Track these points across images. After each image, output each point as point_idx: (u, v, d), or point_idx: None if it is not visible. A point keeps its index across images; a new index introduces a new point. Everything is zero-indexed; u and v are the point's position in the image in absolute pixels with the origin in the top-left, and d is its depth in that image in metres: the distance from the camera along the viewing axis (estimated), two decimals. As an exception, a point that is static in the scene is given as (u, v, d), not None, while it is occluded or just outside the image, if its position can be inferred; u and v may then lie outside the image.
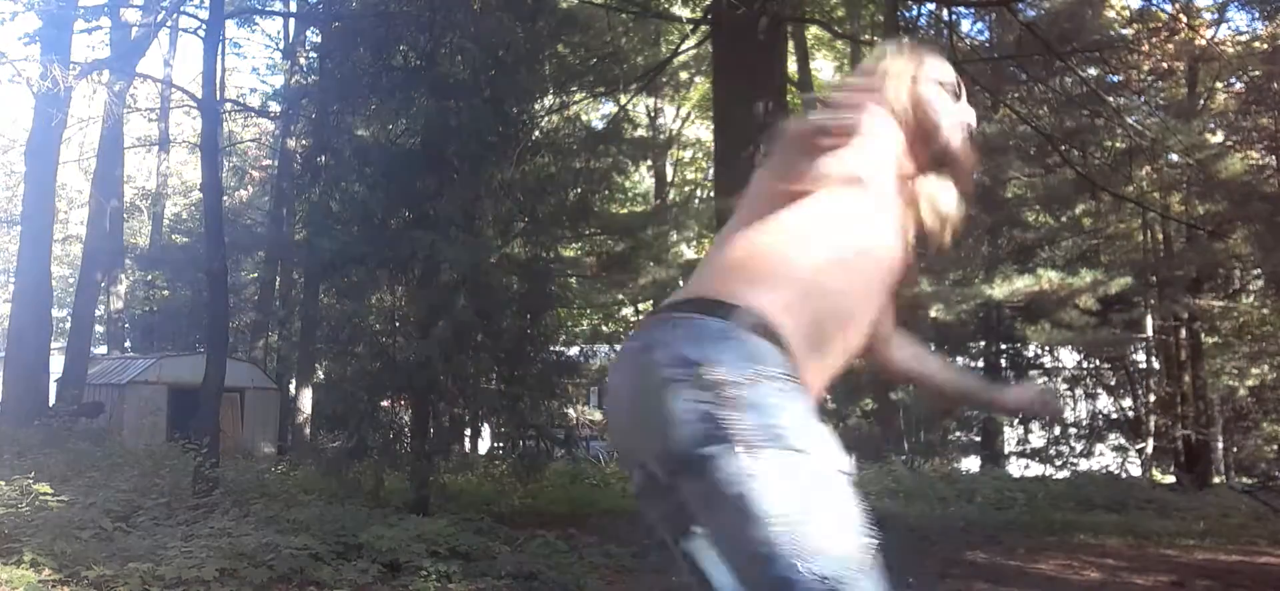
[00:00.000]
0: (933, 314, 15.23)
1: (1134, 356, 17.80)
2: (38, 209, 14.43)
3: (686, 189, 23.27)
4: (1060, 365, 17.86)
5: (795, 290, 1.51)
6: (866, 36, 15.66)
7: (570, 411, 10.90)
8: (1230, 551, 7.44)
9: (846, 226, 1.56)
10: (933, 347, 16.82)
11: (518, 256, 8.79)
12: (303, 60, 16.68)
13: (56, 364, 15.32)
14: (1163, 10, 12.48)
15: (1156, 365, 18.14)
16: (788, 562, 1.34)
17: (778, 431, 1.39)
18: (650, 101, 19.88)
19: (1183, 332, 17.31)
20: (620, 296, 18.84)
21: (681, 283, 21.78)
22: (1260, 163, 15.35)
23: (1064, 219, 17.04)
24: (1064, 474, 15.37)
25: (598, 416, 20.02)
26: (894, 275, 1.68)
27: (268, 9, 17.18)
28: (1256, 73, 14.07)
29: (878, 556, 1.43)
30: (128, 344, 24.74)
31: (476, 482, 10.09)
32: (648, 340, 1.50)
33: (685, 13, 11.89)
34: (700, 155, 22.55)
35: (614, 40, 12.18)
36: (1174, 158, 12.98)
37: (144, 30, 14.77)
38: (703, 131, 21.09)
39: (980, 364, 17.35)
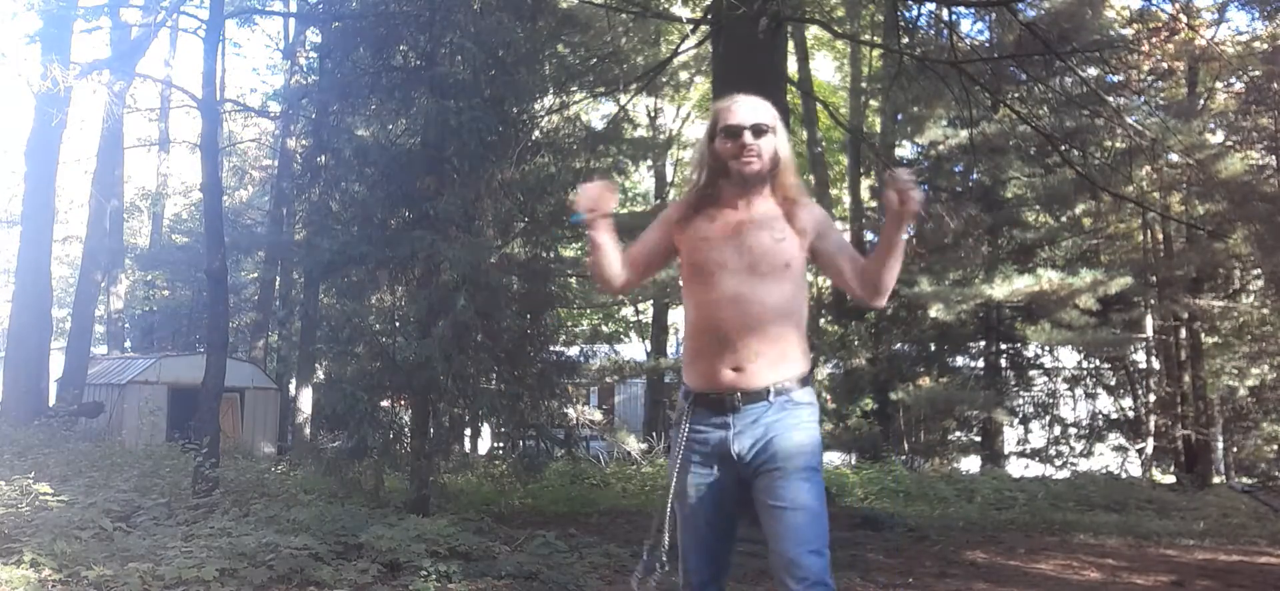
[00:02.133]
0: (933, 314, 15.24)
1: (1134, 356, 17.81)
2: (38, 209, 14.44)
3: (686, 189, 23.23)
4: (1060, 365, 17.86)
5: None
6: (866, 36, 15.67)
7: (570, 411, 10.90)
8: (1230, 551, 7.44)
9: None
10: (933, 347, 16.62)
11: (518, 256, 8.79)
12: (303, 60, 16.69)
13: (56, 364, 15.33)
14: (1163, 10, 12.49)
15: (1156, 365, 18.15)
16: None
17: None
18: (650, 101, 19.89)
19: (1183, 332, 17.32)
20: (620, 296, 18.83)
21: (681, 285, 22.06)
22: (1260, 163, 15.36)
23: (1064, 219, 17.04)
24: (1064, 474, 15.38)
25: (597, 416, 20.04)
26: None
27: (268, 9, 17.17)
28: (1256, 73, 14.08)
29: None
30: (128, 344, 24.75)
31: (476, 482, 10.10)
32: None
33: (685, 13, 11.88)
34: (700, 155, 22.51)
35: (614, 40, 12.18)
36: (1174, 158, 12.98)
37: (144, 30, 14.78)
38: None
39: (980, 364, 17.37)
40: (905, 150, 18.32)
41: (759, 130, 2.39)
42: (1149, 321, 16.94)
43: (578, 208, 2.29)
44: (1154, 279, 16.90)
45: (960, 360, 17.42)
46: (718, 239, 2.35)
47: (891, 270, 2.31)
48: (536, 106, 9.15)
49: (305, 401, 15.46)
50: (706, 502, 2.34)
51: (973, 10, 11.20)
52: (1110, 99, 10.57)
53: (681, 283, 2.43)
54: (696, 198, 2.44)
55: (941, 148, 15.90)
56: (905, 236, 2.32)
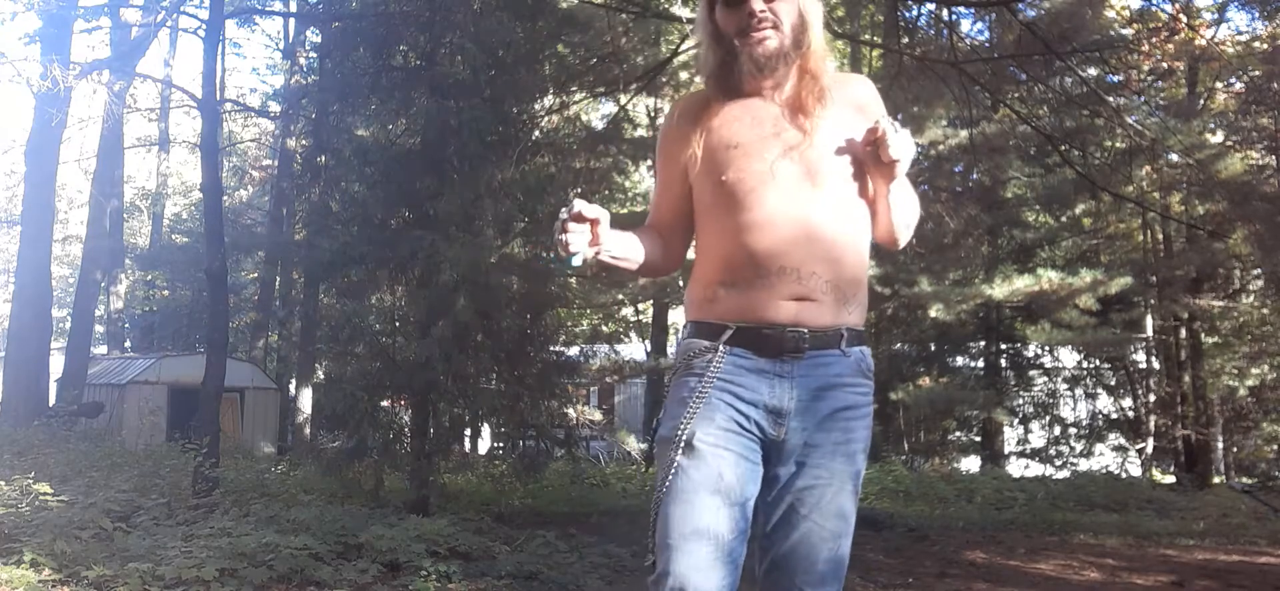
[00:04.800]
0: (933, 314, 15.24)
1: (1134, 356, 17.80)
2: (38, 209, 14.43)
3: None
4: (1060, 365, 17.86)
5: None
6: (866, 36, 15.67)
7: (570, 411, 10.90)
8: (1230, 551, 7.43)
9: None
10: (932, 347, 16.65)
11: (518, 256, 8.79)
12: (303, 60, 16.71)
13: (56, 364, 15.32)
14: (1163, 10, 12.48)
15: (1156, 365, 18.14)
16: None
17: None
18: (650, 101, 19.87)
19: (1183, 332, 17.31)
20: (620, 296, 18.85)
21: (682, 283, 22.11)
22: (1260, 163, 15.34)
23: (1064, 219, 17.05)
24: (1064, 474, 15.38)
25: (597, 416, 20.05)
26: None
27: (268, 9, 17.17)
28: (1256, 73, 14.06)
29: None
30: (128, 344, 24.75)
31: (476, 482, 10.10)
32: None
33: (685, 13, 11.89)
34: (700, 155, 22.52)
35: (614, 40, 12.17)
36: (1174, 158, 12.97)
37: (144, 30, 14.78)
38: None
39: (980, 364, 17.36)
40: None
41: None
42: (1149, 321, 16.94)
43: (571, 250, 1.57)
44: (1154, 279, 16.90)
45: (960, 360, 17.42)
46: (752, 143, 1.70)
47: (898, 216, 1.75)
48: (536, 106, 9.16)
49: (305, 401, 15.46)
50: (731, 476, 1.62)
51: (973, 10, 11.20)
52: (1110, 99, 10.57)
53: (697, 210, 1.78)
54: (707, 94, 1.81)
55: (941, 148, 15.89)
56: (897, 187, 1.73)
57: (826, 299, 1.66)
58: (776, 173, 1.67)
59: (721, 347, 1.67)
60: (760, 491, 1.71)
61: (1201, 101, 16.01)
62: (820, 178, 1.68)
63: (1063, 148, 10.76)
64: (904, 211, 1.76)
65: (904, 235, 1.78)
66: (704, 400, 1.64)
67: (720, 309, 1.69)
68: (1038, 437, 17.28)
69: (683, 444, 1.62)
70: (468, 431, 16.33)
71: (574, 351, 10.86)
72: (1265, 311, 16.63)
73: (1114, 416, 17.97)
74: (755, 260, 1.65)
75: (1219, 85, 16.16)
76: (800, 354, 1.65)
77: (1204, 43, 13.91)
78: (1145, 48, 12.64)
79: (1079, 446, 16.92)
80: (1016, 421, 17.18)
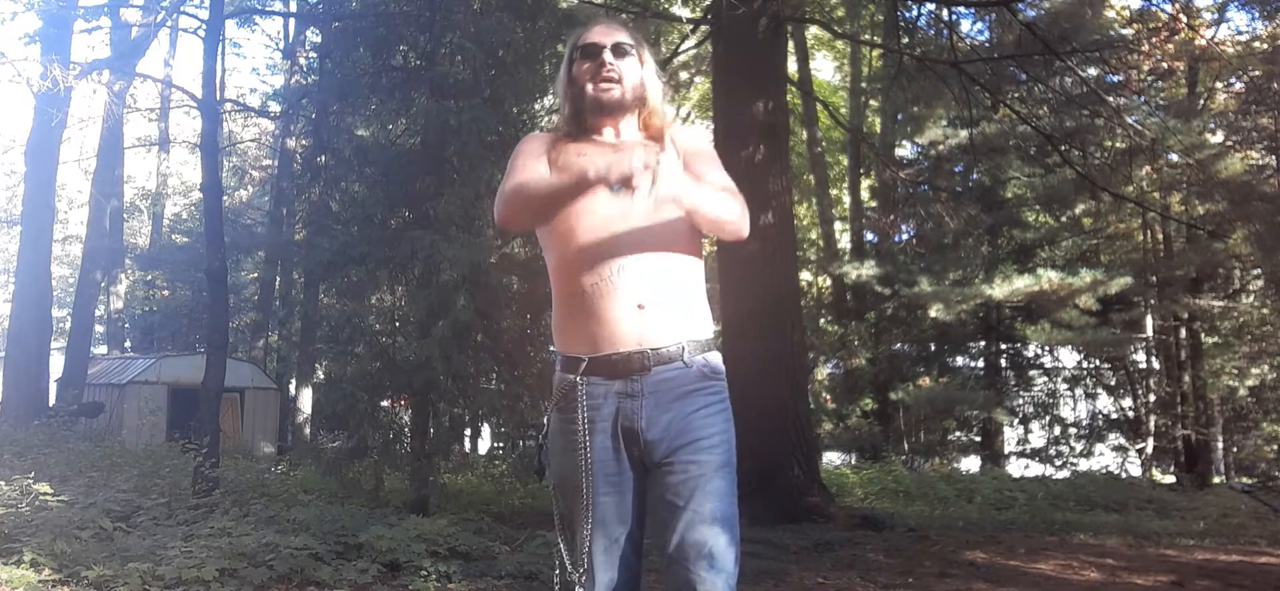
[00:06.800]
0: (933, 314, 15.24)
1: (1134, 356, 17.81)
2: (38, 209, 14.43)
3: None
4: (1060, 365, 17.87)
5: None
6: (866, 36, 15.67)
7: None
8: (1230, 551, 7.43)
9: None
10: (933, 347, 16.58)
11: (518, 256, 8.79)
12: (303, 60, 16.72)
13: (56, 364, 15.33)
14: (1163, 10, 12.49)
15: (1156, 365, 18.15)
16: None
17: None
18: (650, 101, 19.84)
19: (1183, 332, 17.32)
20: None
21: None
22: (1260, 163, 15.34)
23: (1064, 219, 17.05)
24: (1064, 474, 15.38)
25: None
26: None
27: (268, 9, 17.18)
28: (1256, 73, 14.06)
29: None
30: (128, 344, 24.76)
31: (476, 482, 10.10)
32: None
33: (685, 13, 11.89)
34: (700, 155, 22.51)
35: (614, 40, 12.16)
36: (1174, 158, 12.97)
37: (144, 30, 14.77)
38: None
39: (980, 364, 17.37)
40: (905, 150, 18.33)
41: (619, 50, 2.03)
42: (1149, 321, 16.94)
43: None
44: (1154, 279, 16.90)
45: (960, 360, 17.43)
46: (594, 155, 1.91)
47: (707, 213, 1.87)
48: (536, 106, 9.15)
49: (305, 401, 15.47)
50: (615, 492, 1.89)
51: (973, 10, 11.20)
52: (1110, 99, 10.57)
53: (542, 231, 2.00)
54: (563, 131, 2.07)
55: (941, 148, 15.90)
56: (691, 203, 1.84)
57: (664, 312, 1.87)
58: (598, 191, 1.83)
59: (580, 381, 1.89)
60: (649, 498, 1.92)
61: (1201, 101, 16.02)
62: (640, 196, 1.82)
63: (1063, 148, 10.76)
64: (708, 210, 1.87)
65: (727, 227, 1.89)
66: (582, 431, 1.89)
67: (573, 337, 1.91)
68: (1038, 437, 17.29)
69: (578, 487, 1.89)
70: (468, 431, 16.34)
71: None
72: (1265, 311, 16.63)
73: (1114, 416, 17.97)
74: (596, 264, 1.85)
75: (1219, 85, 16.16)
76: (647, 371, 1.86)
77: (1204, 43, 13.91)
78: (1145, 48, 12.65)
79: (1079, 446, 16.92)
80: (1016, 421, 17.19)
